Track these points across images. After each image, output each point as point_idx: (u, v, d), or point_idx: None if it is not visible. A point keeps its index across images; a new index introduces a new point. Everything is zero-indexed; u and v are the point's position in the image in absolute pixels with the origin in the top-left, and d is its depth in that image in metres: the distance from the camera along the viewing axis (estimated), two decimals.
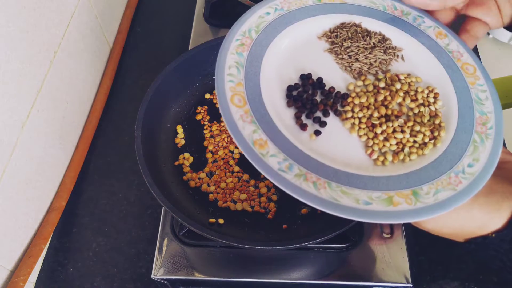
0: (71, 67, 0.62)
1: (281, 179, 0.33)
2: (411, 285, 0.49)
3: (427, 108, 0.40)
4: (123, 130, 0.69)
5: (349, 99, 0.41)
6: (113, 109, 0.71)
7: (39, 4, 0.53)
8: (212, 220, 0.50)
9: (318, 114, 0.40)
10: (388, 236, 0.52)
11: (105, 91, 0.71)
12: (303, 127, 0.39)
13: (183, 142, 0.57)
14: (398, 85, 0.41)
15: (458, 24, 0.47)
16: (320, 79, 0.42)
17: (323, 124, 0.39)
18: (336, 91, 0.41)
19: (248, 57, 0.40)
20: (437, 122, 0.40)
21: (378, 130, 0.39)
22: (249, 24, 0.42)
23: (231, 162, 0.55)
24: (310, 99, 0.41)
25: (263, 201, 0.52)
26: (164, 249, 0.52)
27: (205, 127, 0.58)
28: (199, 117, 0.59)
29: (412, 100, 0.41)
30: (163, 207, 0.52)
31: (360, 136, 0.39)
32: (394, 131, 0.39)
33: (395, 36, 0.45)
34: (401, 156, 0.38)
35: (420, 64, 0.44)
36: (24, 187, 0.53)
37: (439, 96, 0.41)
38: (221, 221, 0.50)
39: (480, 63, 0.43)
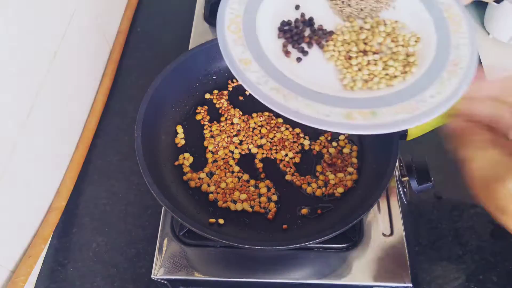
0: (71, 67, 0.62)
1: (257, 90, 0.39)
2: (411, 285, 0.49)
3: (404, 48, 0.44)
4: (123, 130, 0.69)
5: (334, 36, 0.45)
6: (113, 109, 0.71)
7: (39, 4, 0.53)
8: (212, 220, 0.50)
9: (304, 45, 0.44)
10: (388, 235, 0.52)
11: (105, 91, 0.71)
12: (287, 53, 0.44)
13: (183, 142, 0.57)
14: (382, 28, 0.45)
15: None
16: (311, 18, 0.46)
17: (305, 53, 0.44)
18: (323, 28, 0.46)
19: None
20: (411, 60, 0.43)
21: (354, 62, 0.43)
22: None
23: (231, 162, 0.55)
24: (298, 32, 0.45)
25: (263, 201, 0.52)
26: (164, 249, 0.52)
27: (205, 127, 0.58)
28: (199, 117, 0.59)
29: (392, 41, 0.44)
30: (163, 207, 0.52)
31: (336, 66, 0.43)
32: (368, 63, 0.43)
33: None
34: (370, 84, 0.42)
35: (410, 13, 0.47)
36: (24, 187, 0.53)
37: (420, 41, 0.44)
38: (221, 221, 0.50)
39: (467, 15, 0.46)
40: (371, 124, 0.38)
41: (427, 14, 0.46)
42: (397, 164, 0.53)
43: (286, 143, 0.57)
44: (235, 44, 0.41)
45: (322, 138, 0.57)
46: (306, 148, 0.56)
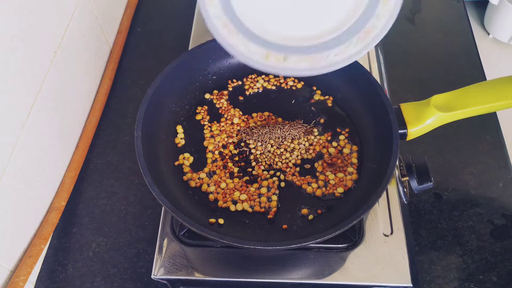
0: (71, 67, 0.62)
1: (211, 22, 0.44)
2: (411, 285, 0.49)
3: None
4: (123, 130, 0.69)
5: None
6: (113, 109, 0.71)
7: (39, 4, 0.53)
8: (212, 220, 0.50)
9: None
10: (388, 235, 0.52)
11: (105, 91, 0.71)
12: None
13: (183, 142, 0.57)
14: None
15: None
16: None
17: None
18: None
19: None
20: None
21: None
22: None
23: (230, 164, 0.55)
24: None
25: (263, 201, 0.52)
26: (164, 249, 0.52)
27: (205, 127, 0.58)
28: (199, 117, 0.59)
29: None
30: (163, 207, 0.52)
31: None
32: None
33: None
34: None
35: None
36: (24, 187, 0.53)
37: None
38: (221, 221, 0.50)
39: None
40: (280, 67, 0.45)
41: None
42: (397, 164, 0.53)
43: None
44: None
45: (322, 137, 0.57)
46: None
